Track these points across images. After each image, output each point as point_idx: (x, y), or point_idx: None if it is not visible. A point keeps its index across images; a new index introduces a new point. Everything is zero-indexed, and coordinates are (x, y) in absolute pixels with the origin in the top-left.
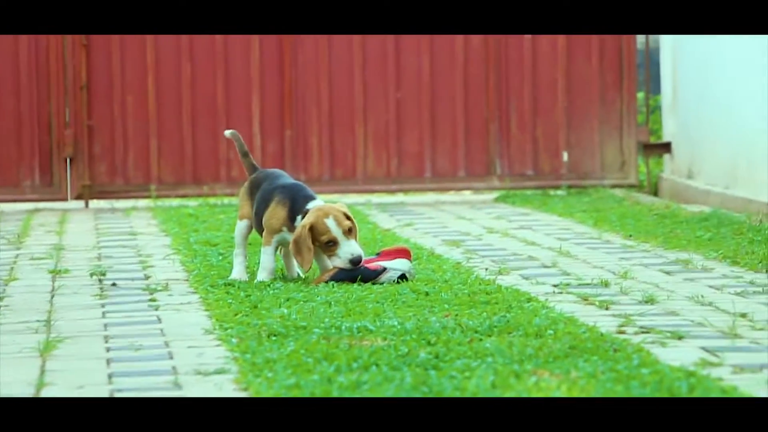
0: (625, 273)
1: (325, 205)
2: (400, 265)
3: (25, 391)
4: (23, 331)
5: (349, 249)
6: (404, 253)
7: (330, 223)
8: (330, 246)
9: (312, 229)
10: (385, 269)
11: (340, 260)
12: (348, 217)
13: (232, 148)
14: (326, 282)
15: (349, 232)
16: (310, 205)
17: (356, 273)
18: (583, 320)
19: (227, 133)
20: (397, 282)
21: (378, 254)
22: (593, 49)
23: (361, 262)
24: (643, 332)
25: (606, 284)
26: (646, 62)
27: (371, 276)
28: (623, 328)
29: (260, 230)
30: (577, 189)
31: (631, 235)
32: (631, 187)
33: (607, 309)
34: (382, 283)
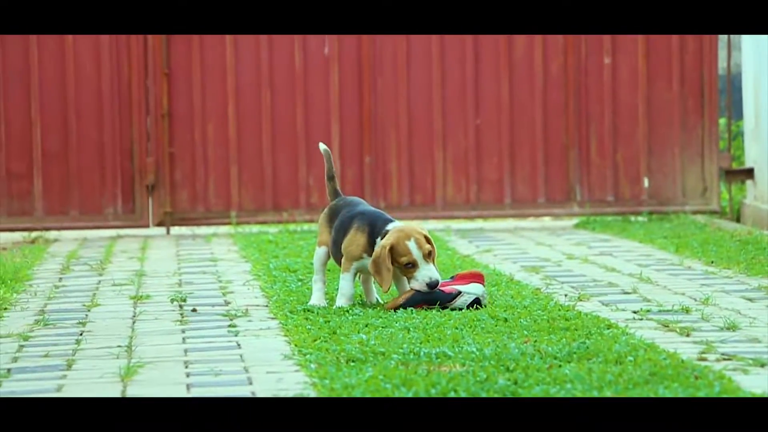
0: (707, 299)
1: (406, 226)
2: (474, 289)
3: None
4: (105, 357)
5: (427, 273)
6: (478, 278)
7: (411, 245)
8: (409, 268)
9: (392, 249)
10: (460, 293)
11: (417, 283)
12: (428, 240)
13: (311, 175)
14: (401, 306)
15: (429, 255)
16: (390, 227)
17: (432, 296)
18: (664, 347)
19: (321, 146)
20: (471, 307)
21: (453, 278)
22: (674, 75)
23: (438, 285)
24: (724, 359)
25: (687, 311)
26: (728, 88)
27: (446, 299)
28: (704, 355)
29: (338, 258)
30: (658, 215)
31: (713, 262)
32: (713, 213)
33: (688, 336)
34: (456, 308)
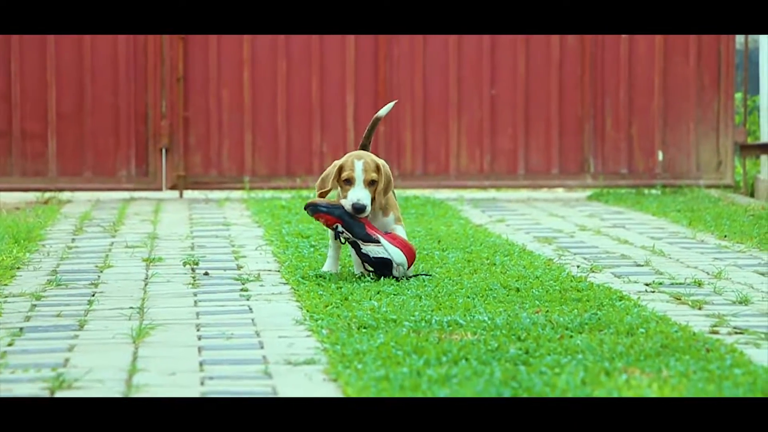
0: (719, 273)
1: (365, 152)
2: (393, 252)
3: (117, 376)
4: (117, 318)
5: (358, 195)
6: (407, 249)
7: (357, 163)
8: (345, 185)
9: (341, 167)
10: (378, 242)
11: (345, 201)
12: (378, 171)
13: (325, 142)
14: (314, 207)
15: (371, 184)
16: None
17: (351, 222)
18: (676, 319)
19: (387, 108)
20: (376, 271)
21: (388, 233)
22: (691, 50)
23: (363, 212)
24: (736, 333)
25: (699, 284)
26: (744, 63)
27: (361, 235)
28: (716, 328)
29: None
30: (671, 189)
31: (726, 236)
32: (726, 187)
33: (700, 309)
34: (363, 255)
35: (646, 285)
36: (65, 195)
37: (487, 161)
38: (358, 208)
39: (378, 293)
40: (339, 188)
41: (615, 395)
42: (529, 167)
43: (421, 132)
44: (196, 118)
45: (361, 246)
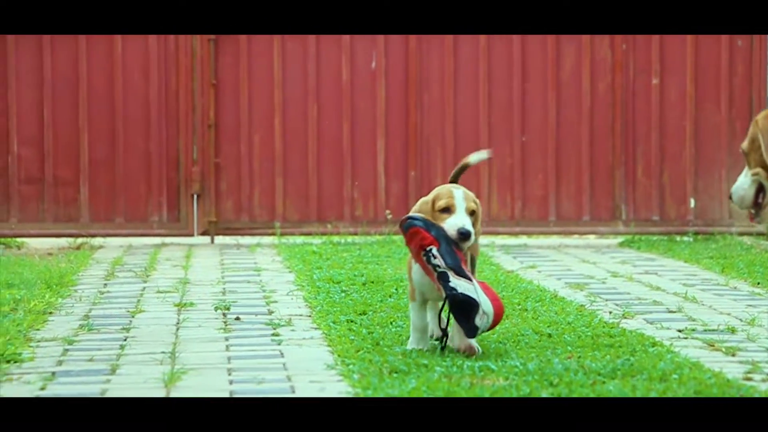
0: (753, 320)
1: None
2: (484, 300)
3: None
4: (148, 362)
5: (461, 220)
6: (498, 304)
7: (457, 192)
8: (443, 213)
9: (436, 197)
10: (470, 279)
11: (447, 226)
12: (476, 203)
13: (356, 188)
14: (411, 232)
15: (472, 214)
16: None
17: (449, 251)
18: (709, 366)
19: (479, 157)
20: (456, 313)
21: (480, 281)
22: (722, 96)
23: (468, 240)
24: None
25: (733, 331)
26: None
27: (453, 265)
28: (750, 375)
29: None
30: (703, 236)
31: (759, 283)
32: (759, 235)
33: (733, 355)
34: (450, 291)
35: (679, 331)
36: (97, 241)
37: (518, 207)
38: (464, 234)
39: (409, 338)
40: (435, 215)
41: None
42: (561, 214)
43: None
44: (227, 164)
45: (451, 278)
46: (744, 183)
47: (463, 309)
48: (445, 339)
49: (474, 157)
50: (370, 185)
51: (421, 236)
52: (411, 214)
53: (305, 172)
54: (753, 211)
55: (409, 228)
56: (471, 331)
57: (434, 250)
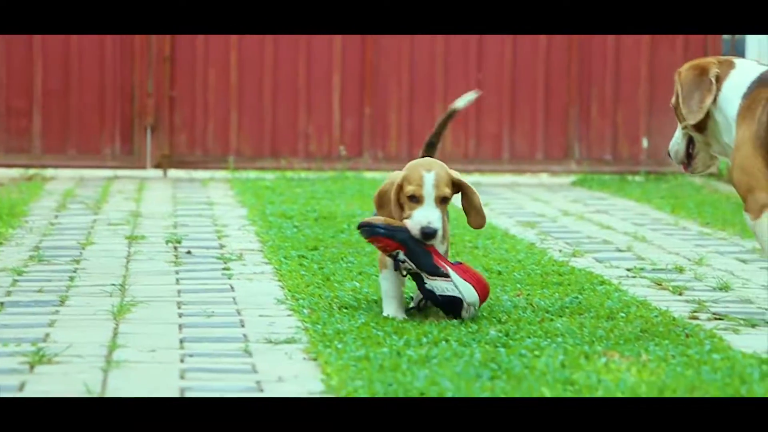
0: (701, 260)
1: (435, 161)
2: (465, 290)
3: (97, 351)
4: (98, 294)
5: (428, 215)
6: (481, 286)
7: (427, 177)
8: (410, 202)
9: (404, 178)
10: (447, 276)
11: (411, 223)
12: (457, 186)
13: (311, 123)
14: (370, 227)
15: (443, 201)
16: None
17: (416, 249)
18: (656, 304)
19: (467, 99)
20: (443, 309)
21: (458, 263)
22: (678, 40)
23: (434, 239)
24: (716, 318)
25: (680, 270)
26: (731, 52)
27: (428, 267)
28: (696, 314)
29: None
30: (655, 175)
31: (708, 223)
32: (710, 175)
33: (680, 294)
34: (427, 291)
35: (628, 270)
36: (49, 172)
37: (472, 145)
38: (428, 234)
39: (360, 274)
40: (400, 205)
41: (594, 378)
42: (514, 152)
43: (407, 115)
44: (181, 98)
45: (426, 280)
46: (677, 137)
47: (449, 307)
48: (423, 301)
49: (462, 102)
50: (324, 121)
51: (385, 244)
52: (371, 219)
53: (260, 107)
54: (686, 161)
55: (369, 237)
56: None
57: (401, 255)
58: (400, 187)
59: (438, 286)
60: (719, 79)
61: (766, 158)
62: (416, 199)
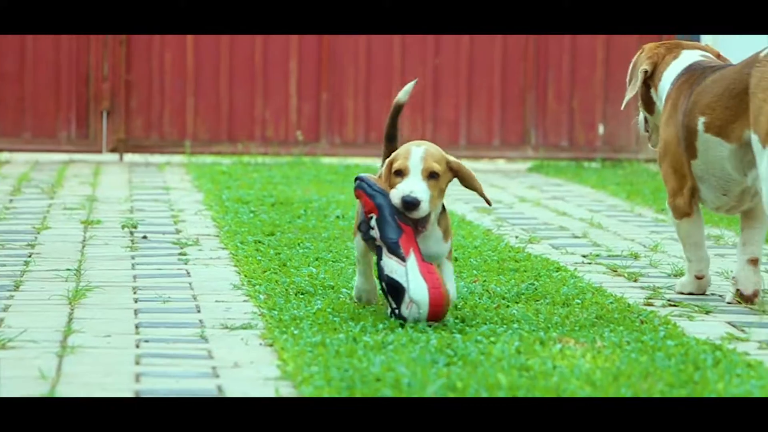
0: (656, 246)
1: (431, 143)
2: (415, 285)
3: (52, 337)
4: (53, 279)
5: (411, 186)
6: (438, 293)
7: (415, 151)
8: (396, 177)
9: (394, 158)
10: (404, 260)
11: (394, 193)
12: (453, 169)
13: (268, 109)
14: (356, 194)
15: (431, 176)
16: None
17: (389, 223)
18: (611, 291)
19: (407, 90)
20: (390, 299)
21: (430, 264)
22: None
23: (416, 210)
24: (670, 305)
25: (636, 257)
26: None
27: (389, 241)
28: (651, 301)
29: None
30: (611, 162)
31: (663, 210)
32: None
33: (635, 281)
34: (380, 265)
35: (584, 257)
36: (3, 156)
37: (429, 130)
38: (409, 203)
39: (316, 260)
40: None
41: (549, 365)
42: (471, 138)
43: (364, 100)
44: (138, 81)
45: (383, 255)
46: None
47: (391, 291)
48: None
49: (403, 94)
50: (281, 106)
51: (363, 201)
52: (367, 176)
53: (216, 92)
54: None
55: (356, 189)
56: (397, 317)
57: (373, 220)
58: (391, 164)
59: (389, 265)
60: (659, 69)
61: (687, 154)
62: (401, 173)
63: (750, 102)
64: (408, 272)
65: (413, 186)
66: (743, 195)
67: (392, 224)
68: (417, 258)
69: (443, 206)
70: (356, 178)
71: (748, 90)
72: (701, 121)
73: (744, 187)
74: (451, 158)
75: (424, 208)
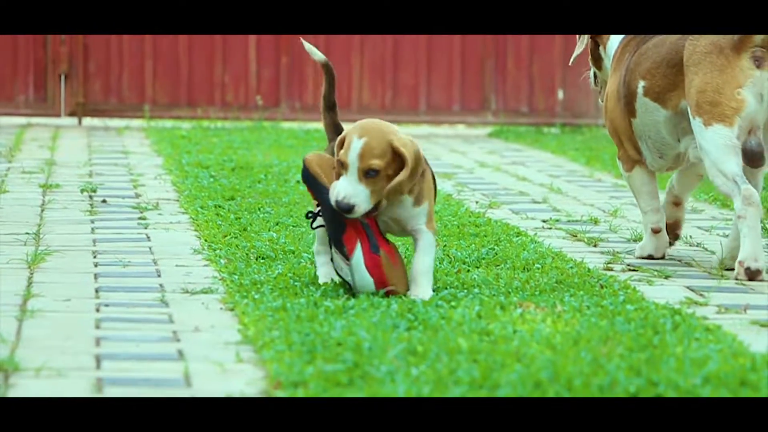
0: (615, 211)
1: (385, 125)
2: (361, 280)
3: (12, 301)
4: (12, 243)
5: (344, 189)
6: (377, 270)
7: (355, 144)
8: (339, 167)
9: (338, 143)
10: (348, 261)
11: (331, 193)
12: (383, 156)
13: (227, 73)
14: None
15: (368, 174)
16: None
17: (333, 218)
18: (571, 256)
19: (320, 57)
20: (341, 275)
21: (392, 248)
22: None
23: (349, 213)
24: (630, 270)
25: (595, 222)
26: None
27: (333, 237)
28: (611, 265)
29: None
30: (570, 127)
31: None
32: None
33: (595, 246)
34: (331, 257)
35: (543, 222)
36: None
37: (389, 97)
38: (343, 208)
39: (277, 224)
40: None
41: (509, 329)
42: (431, 104)
43: None
44: (96, 44)
45: (332, 247)
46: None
47: (343, 280)
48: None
49: (317, 54)
50: (241, 70)
51: (309, 192)
52: (309, 156)
53: (176, 56)
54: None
55: (302, 180)
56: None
57: (319, 211)
58: (340, 146)
59: (337, 261)
60: None
61: (627, 112)
62: (342, 166)
63: (684, 74)
64: (353, 271)
65: (346, 189)
66: (678, 158)
67: (335, 221)
68: (364, 250)
69: (423, 169)
70: (303, 162)
71: (683, 61)
72: (641, 84)
73: (678, 152)
74: (400, 141)
75: (358, 211)
